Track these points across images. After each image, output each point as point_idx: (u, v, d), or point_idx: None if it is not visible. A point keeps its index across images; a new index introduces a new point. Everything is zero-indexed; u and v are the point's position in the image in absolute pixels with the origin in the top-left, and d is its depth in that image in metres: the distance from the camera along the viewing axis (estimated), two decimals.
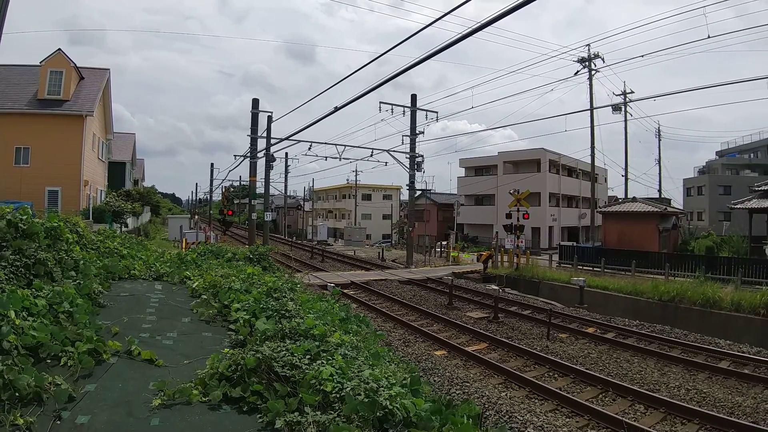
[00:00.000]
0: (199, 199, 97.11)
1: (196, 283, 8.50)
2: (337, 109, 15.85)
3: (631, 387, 9.28)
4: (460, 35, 8.89)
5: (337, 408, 3.73)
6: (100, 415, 3.84)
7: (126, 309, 6.76)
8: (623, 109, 37.32)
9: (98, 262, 8.64)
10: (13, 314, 4.71)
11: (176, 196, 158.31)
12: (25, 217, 7.10)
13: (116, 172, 42.96)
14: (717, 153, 68.08)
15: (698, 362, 11.26)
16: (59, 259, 7.15)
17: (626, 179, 40.82)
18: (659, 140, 50.03)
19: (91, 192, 30.46)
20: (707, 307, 16.24)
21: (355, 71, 12.46)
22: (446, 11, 8.64)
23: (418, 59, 10.10)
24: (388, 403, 3.57)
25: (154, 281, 9.26)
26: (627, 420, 7.57)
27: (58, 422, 3.68)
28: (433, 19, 9.05)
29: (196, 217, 63.38)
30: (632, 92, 37.25)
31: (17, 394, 3.82)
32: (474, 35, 8.82)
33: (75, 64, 29.33)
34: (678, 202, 54.07)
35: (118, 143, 43.26)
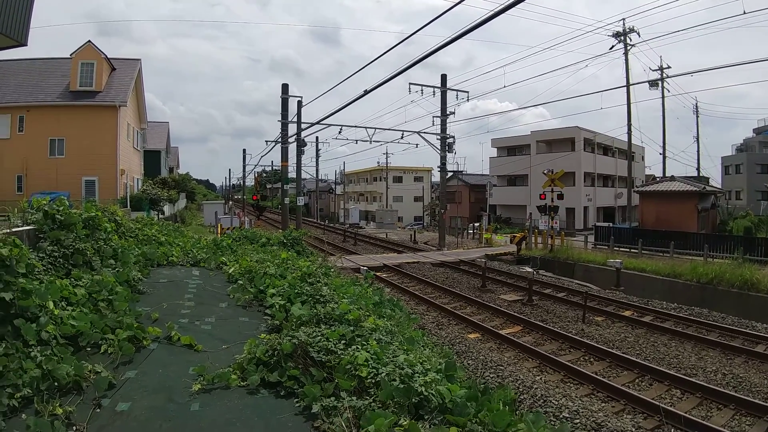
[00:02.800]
0: (233, 184, 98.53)
1: (232, 269, 8.64)
2: (366, 92, 15.77)
3: (668, 371, 9.10)
4: (491, 13, 8.69)
5: (372, 393, 3.75)
6: (141, 401, 3.93)
7: (165, 295, 6.91)
8: (660, 84, 36.31)
9: (137, 249, 8.83)
10: (51, 305, 4.81)
11: (210, 182, 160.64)
12: (62, 208, 7.23)
13: (151, 160, 43.77)
14: (754, 130, 65.61)
15: (735, 346, 10.99)
16: (98, 248, 7.31)
17: (664, 157, 39.86)
18: (697, 117, 48.64)
19: (127, 181, 31.12)
20: (745, 289, 15.87)
21: (383, 54, 12.37)
22: None
23: (446, 40, 9.93)
24: (423, 389, 3.57)
25: (191, 267, 9.45)
26: (663, 405, 7.45)
27: (98, 410, 3.75)
28: None
29: (231, 202, 64.32)
30: (669, 67, 36.23)
31: (56, 383, 3.90)
32: (504, 12, 8.63)
33: (106, 56, 29.78)
34: (716, 180, 52.65)
35: (152, 132, 44.02)
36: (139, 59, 33.57)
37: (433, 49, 10.48)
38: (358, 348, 4.40)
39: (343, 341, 4.61)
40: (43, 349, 4.16)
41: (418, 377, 3.78)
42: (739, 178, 55.22)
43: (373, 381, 3.88)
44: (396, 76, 12.48)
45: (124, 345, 4.73)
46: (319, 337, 4.61)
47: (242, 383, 4.27)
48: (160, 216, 28.44)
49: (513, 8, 8.16)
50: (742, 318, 13.60)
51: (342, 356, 4.25)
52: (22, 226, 6.80)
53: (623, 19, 31.90)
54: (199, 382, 4.17)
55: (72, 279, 5.94)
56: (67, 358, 4.17)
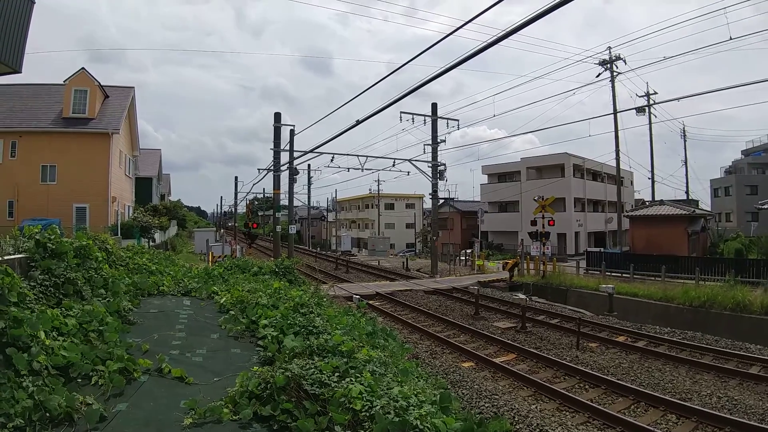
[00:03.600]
0: (224, 212, 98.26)
1: (224, 299, 8.58)
2: (358, 122, 15.89)
3: (663, 397, 9.07)
4: (482, 45, 8.82)
5: (366, 427, 3.71)
6: None
7: (156, 326, 6.84)
8: (647, 111, 36.78)
9: (127, 279, 8.77)
10: (43, 334, 4.77)
11: (201, 209, 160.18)
12: (53, 237, 7.20)
13: (143, 187, 43.68)
14: (742, 152, 66.51)
15: (729, 369, 11.01)
16: (88, 278, 7.26)
17: (653, 182, 40.16)
18: (685, 141, 49.31)
19: (119, 208, 31.00)
20: (737, 311, 15.96)
21: (374, 84, 12.46)
22: (464, 21, 8.60)
23: (437, 72, 10.04)
24: (418, 423, 3.55)
25: (182, 297, 9.37)
26: (659, 431, 7.40)
27: None
28: (452, 29, 9.03)
29: (222, 230, 64.06)
30: (655, 93, 36.75)
31: (48, 414, 3.87)
32: (494, 45, 8.76)
33: (99, 83, 29.92)
34: (706, 203, 53.07)
35: (144, 159, 44.01)
36: (133, 87, 33.78)
37: (425, 80, 10.60)
38: (352, 380, 4.36)
39: (336, 373, 4.57)
40: (35, 380, 4.13)
41: (413, 410, 3.75)
42: (729, 200, 55.70)
43: (368, 414, 3.84)
44: (388, 106, 12.60)
45: (114, 377, 4.68)
46: (312, 370, 4.57)
47: (234, 417, 4.21)
48: (151, 244, 28.27)
49: (500, 42, 8.29)
50: (736, 340, 13.63)
51: (336, 389, 4.21)
52: (13, 254, 6.75)
53: (609, 47, 32.45)
54: (191, 416, 4.12)
55: (63, 309, 5.89)
56: (58, 389, 4.13)
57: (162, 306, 8.22)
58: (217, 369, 5.46)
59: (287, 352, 5.41)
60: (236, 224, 68.67)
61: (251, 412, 4.21)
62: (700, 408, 8.51)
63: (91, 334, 5.45)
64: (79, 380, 4.64)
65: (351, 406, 3.94)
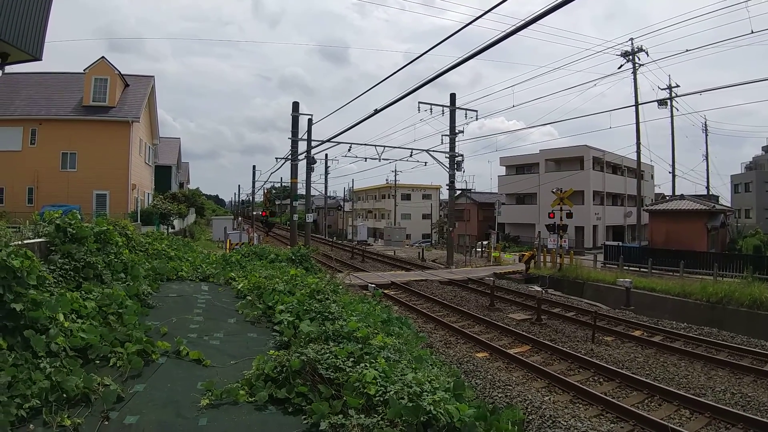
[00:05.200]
0: (242, 200, 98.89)
1: (241, 285, 8.67)
2: (376, 111, 15.88)
3: (677, 391, 9.00)
4: (501, 35, 8.78)
5: (380, 411, 3.74)
6: (149, 415, 3.94)
7: (174, 310, 6.94)
8: (669, 104, 36.18)
9: (147, 263, 8.89)
10: (62, 317, 4.86)
11: (219, 197, 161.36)
12: (73, 222, 7.31)
13: (162, 175, 44.16)
14: (763, 148, 65.34)
15: (744, 365, 10.89)
16: (108, 262, 7.37)
17: (673, 176, 39.57)
18: (706, 136, 48.33)
19: (138, 195, 31.37)
20: (754, 308, 15.74)
21: (392, 74, 12.48)
22: (484, 10, 8.55)
23: (455, 62, 10.01)
24: (432, 408, 3.57)
25: (200, 282, 9.48)
26: (672, 425, 7.36)
27: (106, 423, 3.77)
28: (471, 19, 8.98)
29: (240, 218, 64.53)
30: (677, 86, 36.10)
31: (65, 395, 3.93)
32: (514, 34, 8.70)
33: (119, 72, 30.21)
34: (726, 199, 52.29)
35: (163, 148, 44.45)
36: (152, 76, 34.04)
37: (443, 70, 10.58)
38: (366, 366, 4.40)
39: (351, 359, 4.61)
40: (53, 361, 4.20)
41: (427, 396, 3.78)
42: (749, 197, 54.85)
43: (382, 399, 3.87)
44: (406, 96, 12.58)
45: (132, 358, 4.75)
46: (327, 355, 4.61)
47: (250, 399, 4.27)
48: (170, 230, 28.59)
49: (520, 31, 8.23)
50: (752, 337, 13.48)
51: (350, 374, 4.25)
52: (33, 239, 6.87)
53: (631, 39, 31.95)
54: (207, 397, 4.18)
55: (82, 292, 5.99)
56: (76, 370, 4.20)
57: (180, 291, 8.33)
58: (233, 352, 5.53)
59: (303, 336, 5.47)
60: (254, 212, 69.14)
61: (267, 395, 4.27)
62: (713, 404, 8.45)
63: (111, 317, 5.55)
64: (97, 362, 4.71)
65: (365, 390, 3.98)
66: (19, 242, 5.93)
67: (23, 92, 29.21)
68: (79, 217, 7.77)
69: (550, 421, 7.37)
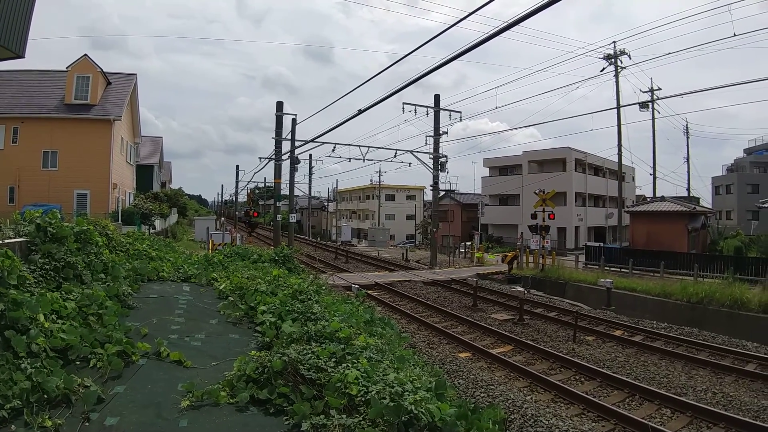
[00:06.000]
0: (225, 200, 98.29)
1: (223, 285, 8.62)
2: (360, 111, 15.87)
3: (658, 391, 9.11)
4: (485, 36, 8.81)
5: (362, 411, 3.75)
6: (129, 416, 3.92)
7: (155, 310, 6.88)
8: (650, 106, 36.64)
9: (127, 264, 8.81)
10: (42, 317, 4.81)
11: (202, 197, 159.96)
12: (53, 221, 7.23)
13: (144, 174, 43.72)
14: (745, 150, 66.40)
15: (725, 365, 11.04)
16: (89, 262, 7.29)
17: (654, 178, 40.07)
18: (687, 138, 48.94)
19: (119, 195, 31.02)
20: (735, 308, 16.00)
21: (377, 74, 12.45)
22: (468, 12, 8.61)
23: (440, 62, 10.03)
24: (413, 408, 3.58)
25: (182, 283, 9.41)
26: (652, 424, 7.44)
27: (87, 424, 3.75)
28: (456, 20, 8.99)
29: (222, 218, 64.10)
30: (659, 89, 36.57)
31: (45, 396, 3.90)
32: (497, 36, 8.74)
33: (102, 70, 29.89)
34: (707, 200, 52.96)
35: (145, 146, 44.00)
36: (135, 74, 33.77)
37: (427, 70, 10.59)
38: (348, 366, 4.40)
39: (333, 359, 4.61)
40: (33, 362, 4.16)
41: (408, 396, 3.79)
42: (730, 198, 55.67)
43: (363, 399, 3.88)
44: (390, 96, 12.59)
45: (113, 360, 4.71)
46: (309, 355, 4.61)
47: (231, 400, 4.26)
48: (151, 231, 28.31)
49: (505, 31, 8.28)
50: (733, 337, 13.65)
51: (332, 374, 4.25)
52: (14, 238, 6.78)
53: (614, 42, 32.31)
54: (188, 399, 4.16)
55: (62, 292, 5.92)
56: (56, 371, 4.16)
57: (161, 291, 8.27)
58: (215, 353, 5.50)
59: (285, 337, 5.46)
60: (237, 213, 68.77)
61: (248, 396, 4.26)
62: (694, 403, 8.55)
63: (91, 318, 5.49)
64: (78, 363, 4.68)
65: (347, 390, 3.98)
66: (0, 242, 5.85)
67: (5, 90, 28.77)
68: (60, 216, 7.68)
69: (532, 420, 7.42)
